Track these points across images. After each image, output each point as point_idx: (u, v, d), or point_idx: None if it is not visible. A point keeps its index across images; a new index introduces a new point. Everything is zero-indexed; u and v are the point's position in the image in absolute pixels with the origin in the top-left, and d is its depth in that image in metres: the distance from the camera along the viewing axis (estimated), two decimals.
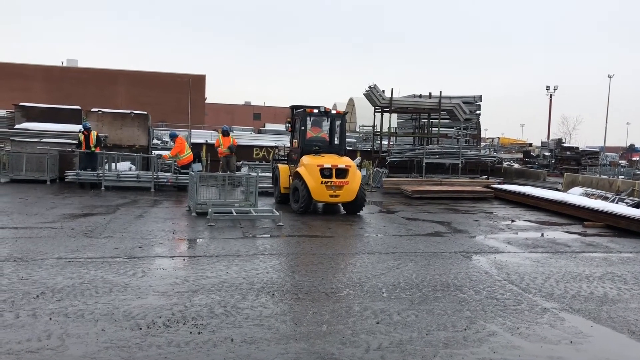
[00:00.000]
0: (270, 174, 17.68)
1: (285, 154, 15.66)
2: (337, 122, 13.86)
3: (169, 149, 21.96)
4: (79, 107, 21.64)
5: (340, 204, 13.06)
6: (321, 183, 12.08)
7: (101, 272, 6.68)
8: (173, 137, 17.58)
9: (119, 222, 10.44)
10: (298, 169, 12.60)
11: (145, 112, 20.26)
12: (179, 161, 16.87)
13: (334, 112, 13.74)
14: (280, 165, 14.23)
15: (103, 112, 19.49)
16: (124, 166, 17.45)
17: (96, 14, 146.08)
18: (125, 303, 5.53)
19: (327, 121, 13.95)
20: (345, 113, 14.14)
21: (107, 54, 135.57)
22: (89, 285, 6.09)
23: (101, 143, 17.34)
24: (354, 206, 12.82)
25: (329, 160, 12.48)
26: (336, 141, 13.74)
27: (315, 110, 13.47)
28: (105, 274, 6.63)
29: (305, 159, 12.60)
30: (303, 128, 13.36)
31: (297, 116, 13.97)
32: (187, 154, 16.79)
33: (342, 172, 12.41)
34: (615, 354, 4.79)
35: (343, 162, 12.63)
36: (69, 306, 5.36)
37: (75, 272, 6.65)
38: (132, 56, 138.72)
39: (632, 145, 63.79)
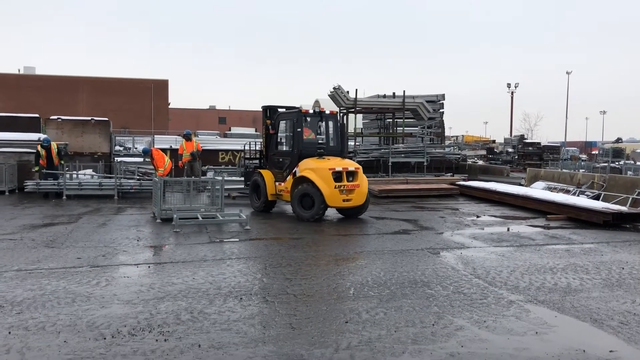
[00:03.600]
0: (238, 178, 17.48)
1: (257, 157, 14.46)
2: (331, 123, 13.20)
3: (132, 155, 21.67)
4: (37, 115, 21.12)
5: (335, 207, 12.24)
6: (335, 187, 11.47)
7: (63, 283, 6.51)
8: (147, 152, 15.82)
9: (82, 231, 10.21)
10: (304, 174, 11.80)
11: (106, 119, 19.94)
12: (164, 172, 15.01)
13: (327, 112, 13.09)
14: (262, 171, 13.24)
15: (63, 120, 19.08)
16: (86, 174, 17.09)
17: (52, 21, 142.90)
18: (89, 313, 5.40)
19: (322, 122, 13.23)
20: (342, 115, 13.64)
21: (65, 61, 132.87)
22: (50, 297, 5.92)
23: (62, 154, 16.82)
24: (360, 210, 12.40)
25: (338, 163, 11.91)
26: (332, 143, 13.07)
27: (310, 111, 12.79)
28: (67, 284, 6.46)
29: (310, 163, 11.91)
30: (299, 130, 12.42)
31: (285, 117, 13.21)
32: (168, 163, 16.09)
33: (352, 175, 11.89)
34: (579, 342, 4.88)
35: (351, 164, 12.15)
36: (30, 319, 5.20)
37: (36, 283, 6.47)
38: (92, 63, 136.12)
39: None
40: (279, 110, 13.69)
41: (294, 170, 12.23)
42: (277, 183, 12.84)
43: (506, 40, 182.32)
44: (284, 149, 13.34)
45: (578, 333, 5.19)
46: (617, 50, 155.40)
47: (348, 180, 11.70)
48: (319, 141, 13.22)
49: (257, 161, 14.47)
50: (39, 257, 7.92)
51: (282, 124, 13.36)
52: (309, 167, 11.84)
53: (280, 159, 12.99)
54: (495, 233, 10.83)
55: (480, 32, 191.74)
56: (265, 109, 13.79)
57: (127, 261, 7.84)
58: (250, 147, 14.89)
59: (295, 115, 12.57)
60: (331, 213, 12.77)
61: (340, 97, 22.84)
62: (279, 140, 13.54)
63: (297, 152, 12.36)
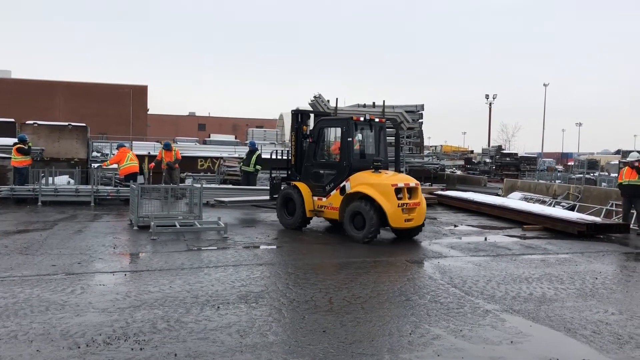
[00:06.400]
0: (218, 186, 17.33)
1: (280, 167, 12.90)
2: (380, 132, 11.83)
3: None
4: (12, 120, 20.78)
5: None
6: (398, 206, 10.26)
7: (37, 290, 6.41)
8: (119, 147, 17.58)
9: (57, 238, 10.06)
10: (360, 189, 10.52)
11: (84, 124, 19.67)
12: (120, 171, 16.63)
13: (377, 120, 11.71)
14: (298, 184, 11.82)
15: (39, 125, 18.77)
16: (62, 180, 16.86)
17: (29, 24, 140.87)
18: (63, 321, 5.32)
19: (371, 131, 11.78)
20: (400, 122, 12.34)
21: (42, 65, 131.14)
22: (23, 305, 5.82)
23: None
24: (418, 230, 11.15)
25: (398, 178, 10.76)
26: (381, 154, 11.65)
27: (361, 119, 11.34)
28: (41, 292, 6.36)
29: (366, 177, 10.66)
30: (349, 139, 11.01)
31: (330, 124, 12.05)
32: (127, 165, 16.42)
33: (413, 191, 10.72)
34: (553, 351, 4.95)
35: (410, 179, 10.98)
36: (1, 327, 5.10)
37: (8, 291, 6.35)
38: (69, 67, 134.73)
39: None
40: (311, 116, 12.74)
41: (342, 185, 10.97)
42: (315, 198, 11.60)
43: (485, 51, 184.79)
44: (325, 159, 12.07)
45: (552, 342, 5.26)
46: (593, 63, 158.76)
47: (409, 198, 10.58)
48: (360, 150, 11.76)
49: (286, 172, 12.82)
50: (12, 264, 7.77)
51: (326, 132, 11.99)
52: (366, 182, 10.57)
53: (321, 172, 11.66)
54: (472, 243, 10.93)
55: (458, 42, 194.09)
56: (297, 113, 12.49)
57: (103, 269, 7.74)
58: (277, 156, 12.87)
59: (345, 122, 11.18)
60: (313, 221, 12.37)
61: (321, 106, 22.91)
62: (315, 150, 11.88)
63: (347, 164, 11.02)
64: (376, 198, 10.27)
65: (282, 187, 12.38)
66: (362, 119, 11.36)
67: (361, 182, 10.64)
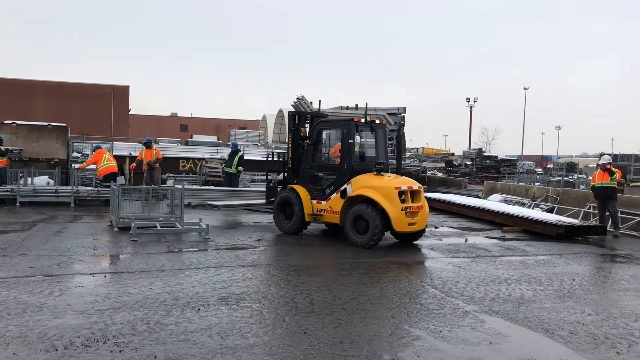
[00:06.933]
0: (199, 187, 17.22)
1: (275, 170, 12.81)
2: (380, 134, 11.68)
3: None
4: None
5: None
6: (402, 209, 10.03)
7: (14, 292, 6.32)
8: (95, 149, 17.60)
9: (36, 239, 9.93)
10: (363, 192, 10.27)
11: (64, 125, 19.44)
12: (98, 172, 16.60)
13: (377, 122, 11.58)
14: (296, 187, 11.53)
15: (18, 124, 18.51)
16: (41, 180, 16.65)
17: (7, 23, 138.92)
18: (41, 324, 5.26)
19: (372, 133, 11.55)
20: (401, 124, 12.00)
21: (21, 64, 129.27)
22: None
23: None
24: (420, 234, 10.91)
25: (401, 181, 10.48)
26: (381, 157, 11.44)
27: (363, 120, 11.13)
28: (18, 294, 6.28)
29: (369, 180, 10.38)
30: (351, 141, 10.80)
31: (330, 126, 11.87)
32: (104, 165, 16.31)
33: (416, 195, 10.52)
34: (531, 352, 5.02)
35: (413, 183, 10.74)
36: None
37: None
38: (50, 66, 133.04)
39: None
40: (308, 117, 12.53)
41: (343, 188, 10.70)
42: (314, 201, 11.29)
43: (467, 53, 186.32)
44: (324, 162, 11.84)
45: (530, 343, 5.33)
46: (573, 67, 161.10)
47: (412, 201, 10.34)
48: (361, 153, 11.49)
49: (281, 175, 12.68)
50: None
51: (325, 134, 11.82)
52: (368, 185, 10.32)
53: (321, 174, 11.33)
54: (452, 244, 11.02)
55: (440, 45, 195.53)
56: (294, 115, 12.27)
57: (83, 270, 7.67)
58: (273, 158, 12.59)
59: (346, 124, 10.93)
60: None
61: (304, 108, 22.91)
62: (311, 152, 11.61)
63: (348, 167, 10.73)
64: (379, 201, 10.02)
65: (278, 190, 12.15)
66: (363, 120, 11.14)
67: (363, 185, 10.40)
